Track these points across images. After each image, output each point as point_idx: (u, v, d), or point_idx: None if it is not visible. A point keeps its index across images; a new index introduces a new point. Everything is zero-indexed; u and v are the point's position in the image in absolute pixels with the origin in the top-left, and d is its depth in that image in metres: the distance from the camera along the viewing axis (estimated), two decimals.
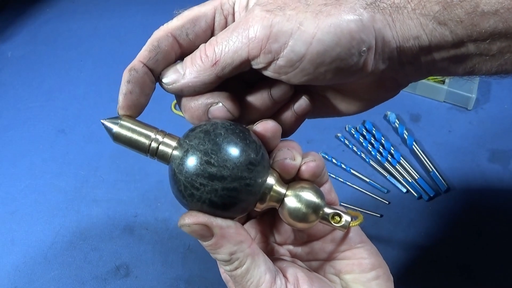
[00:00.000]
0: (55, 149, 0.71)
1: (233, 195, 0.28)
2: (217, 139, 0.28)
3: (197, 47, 0.30)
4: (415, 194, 0.62)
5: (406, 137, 0.68)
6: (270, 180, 0.29)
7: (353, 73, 0.28)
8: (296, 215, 0.30)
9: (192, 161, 0.28)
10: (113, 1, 0.98)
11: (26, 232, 0.61)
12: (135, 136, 0.30)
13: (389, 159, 0.65)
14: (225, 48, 0.28)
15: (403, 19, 0.26)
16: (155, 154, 0.30)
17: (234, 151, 0.28)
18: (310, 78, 0.28)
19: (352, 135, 0.70)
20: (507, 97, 0.74)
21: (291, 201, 0.30)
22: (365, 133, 0.69)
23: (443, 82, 0.73)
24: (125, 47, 0.86)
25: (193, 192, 0.28)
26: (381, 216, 0.60)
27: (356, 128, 0.70)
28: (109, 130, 0.31)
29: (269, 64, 0.28)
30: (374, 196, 0.62)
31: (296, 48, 0.26)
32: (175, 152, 0.29)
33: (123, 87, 0.33)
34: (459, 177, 0.64)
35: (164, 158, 0.30)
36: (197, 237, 0.29)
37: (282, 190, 0.30)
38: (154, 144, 0.29)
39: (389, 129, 0.70)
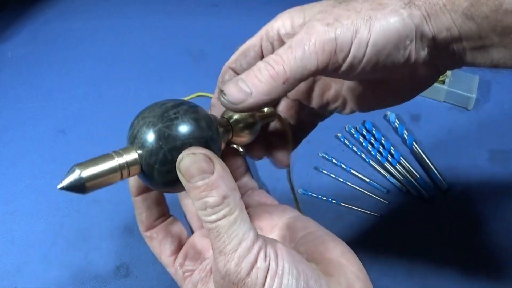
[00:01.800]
0: (55, 149, 0.71)
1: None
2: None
3: None
4: (415, 194, 0.62)
5: (406, 137, 0.68)
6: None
7: (401, 65, 0.32)
8: (245, 125, 0.36)
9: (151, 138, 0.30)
10: (113, 1, 0.98)
11: (26, 232, 0.61)
12: (101, 168, 0.31)
13: (389, 159, 0.66)
14: (294, 65, 0.30)
15: (436, 13, 0.30)
16: (127, 166, 0.30)
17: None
18: (365, 76, 0.32)
19: (352, 135, 0.70)
20: (507, 97, 0.74)
21: (235, 123, 0.36)
22: (365, 133, 0.69)
23: (443, 82, 0.73)
24: (125, 47, 0.86)
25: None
26: (381, 216, 0.60)
27: (356, 128, 0.70)
28: (76, 183, 0.31)
29: (334, 71, 0.31)
30: (374, 196, 0.62)
31: (357, 54, 0.30)
32: (139, 151, 0.30)
33: (220, 84, 0.37)
34: (459, 177, 0.64)
35: (135, 163, 0.31)
36: (193, 173, 0.29)
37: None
38: (121, 160, 0.30)
39: (389, 129, 0.70)
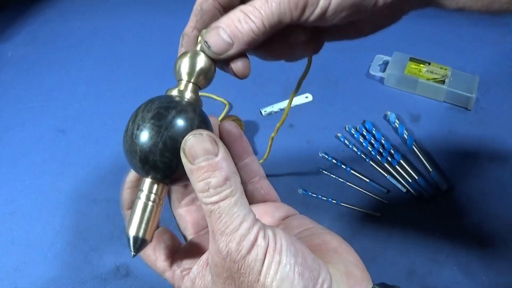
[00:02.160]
0: (55, 149, 0.71)
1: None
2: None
3: (234, 2, 0.34)
4: (415, 194, 0.62)
5: (406, 137, 0.68)
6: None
7: (368, 9, 0.33)
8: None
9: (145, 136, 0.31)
10: (113, 1, 0.98)
11: (26, 232, 0.61)
12: (142, 218, 0.33)
13: (389, 159, 0.66)
14: (271, 19, 0.32)
15: None
16: (154, 194, 0.33)
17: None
18: (336, 22, 0.34)
19: (352, 135, 0.70)
20: (507, 97, 0.74)
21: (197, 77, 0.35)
22: (365, 133, 0.69)
23: (443, 82, 0.73)
24: (125, 47, 0.86)
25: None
26: (381, 216, 0.60)
27: (356, 128, 0.70)
28: (139, 244, 0.33)
29: (305, 22, 0.33)
30: (374, 196, 0.62)
31: (323, 5, 0.32)
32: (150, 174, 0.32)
33: (179, 52, 0.37)
34: (459, 177, 0.64)
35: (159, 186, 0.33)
36: (198, 153, 0.30)
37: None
38: (144, 196, 0.32)
39: (389, 129, 0.70)
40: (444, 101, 0.74)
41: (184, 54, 0.35)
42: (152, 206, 0.32)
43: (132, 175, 0.36)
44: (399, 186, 0.63)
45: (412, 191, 0.63)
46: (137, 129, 0.31)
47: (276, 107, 0.74)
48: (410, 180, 0.63)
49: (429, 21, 0.88)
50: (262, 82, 0.79)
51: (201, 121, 0.32)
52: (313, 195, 0.62)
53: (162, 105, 0.32)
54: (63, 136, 0.73)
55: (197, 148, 0.30)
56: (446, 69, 0.75)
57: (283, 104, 0.74)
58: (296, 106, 0.74)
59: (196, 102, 0.34)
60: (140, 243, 0.32)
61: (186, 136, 0.30)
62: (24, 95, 0.79)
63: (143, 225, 0.32)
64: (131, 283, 0.56)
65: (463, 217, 0.60)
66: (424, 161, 0.65)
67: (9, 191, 0.66)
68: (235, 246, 0.29)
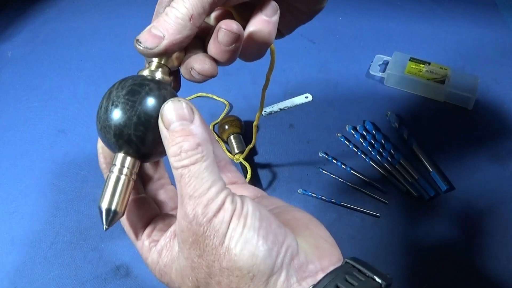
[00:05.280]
0: (55, 149, 0.71)
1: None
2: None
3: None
4: (415, 194, 0.62)
5: (406, 137, 0.68)
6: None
7: None
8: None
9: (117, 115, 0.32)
10: (113, 1, 0.98)
11: (26, 232, 0.61)
12: (114, 191, 0.33)
13: (389, 159, 0.66)
14: (194, 3, 0.32)
15: None
16: (127, 168, 0.33)
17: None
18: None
19: (352, 135, 0.70)
20: (507, 97, 0.74)
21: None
22: (365, 133, 0.69)
23: (443, 82, 0.73)
24: (125, 47, 0.86)
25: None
26: (381, 216, 0.60)
27: (356, 128, 0.70)
28: (111, 216, 0.34)
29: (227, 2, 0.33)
30: (374, 196, 0.62)
31: None
32: (123, 149, 0.33)
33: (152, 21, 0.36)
34: (459, 177, 0.64)
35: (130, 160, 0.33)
36: (174, 118, 0.31)
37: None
38: (116, 169, 0.33)
39: (389, 129, 0.70)
40: (444, 101, 0.74)
41: None
42: (124, 180, 0.33)
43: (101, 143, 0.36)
44: (399, 186, 0.63)
45: (412, 191, 0.63)
46: (112, 105, 0.32)
47: (276, 107, 0.74)
48: (410, 180, 0.63)
49: (429, 21, 0.88)
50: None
51: (173, 97, 0.33)
52: (313, 195, 0.62)
53: (136, 82, 0.33)
54: (63, 136, 0.73)
55: (174, 113, 0.31)
56: (446, 69, 0.75)
57: (283, 104, 0.74)
58: (296, 106, 0.74)
59: (167, 82, 0.35)
60: (112, 216, 0.33)
61: (165, 103, 0.31)
62: (24, 95, 0.79)
63: (115, 198, 0.33)
64: (131, 283, 0.56)
65: (463, 217, 0.60)
66: (424, 161, 0.65)
67: (9, 191, 0.66)
68: (202, 209, 0.29)
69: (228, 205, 0.30)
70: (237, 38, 0.33)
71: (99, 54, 0.85)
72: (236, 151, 0.65)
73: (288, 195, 0.63)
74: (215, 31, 0.33)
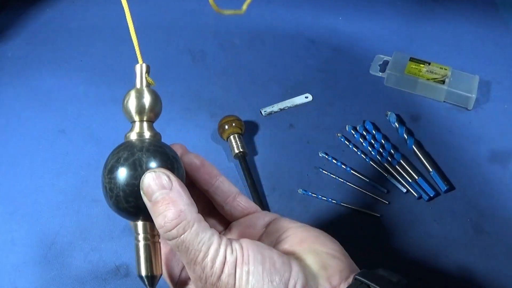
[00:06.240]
0: (55, 149, 0.71)
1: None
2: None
3: None
4: (415, 194, 0.62)
5: (406, 137, 0.68)
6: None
7: None
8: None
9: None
10: (113, 1, 0.98)
11: (26, 232, 0.61)
12: (144, 258, 0.36)
13: (389, 159, 0.66)
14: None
15: None
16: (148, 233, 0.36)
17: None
18: None
19: (352, 135, 0.70)
20: (507, 97, 0.74)
21: None
22: (365, 133, 0.69)
23: (443, 82, 0.73)
24: (125, 47, 0.86)
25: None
26: (381, 216, 0.60)
27: (356, 128, 0.70)
28: (150, 281, 0.36)
29: None
30: (374, 196, 0.62)
31: None
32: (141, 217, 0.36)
33: None
34: (459, 177, 0.64)
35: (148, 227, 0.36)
36: (154, 188, 0.32)
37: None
38: (141, 239, 0.36)
39: (389, 129, 0.70)
40: (444, 101, 0.74)
41: (128, 94, 0.37)
42: (148, 245, 0.35)
43: None
44: (399, 186, 0.63)
45: (412, 191, 0.63)
46: (104, 188, 0.35)
47: (276, 107, 0.74)
48: (410, 180, 0.63)
49: (429, 21, 0.88)
50: (262, 82, 0.79)
51: (153, 154, 0.34)
52: (313, 195, 0.62)
53: (113, 157, 0.35)
54: (63, 136, 0.73)
55: (152, 185, 0.33)
56: (446, 69, 0.75)
57: (283, 104, 0.74)
58: (296, 106, 0.74)
59: (154, 137, 0.37)
60: (153, 279, 0.35)
61: (142, 177, 0.33)
62: (24, 95, 0.79)
63: (151, 264, 0.35)
64: (131, 283, 0.56)
65: (463, 217, 0.60)
66: (424, 161, 0.65)
67: (9, 191, 0.66)
68: (209, 270, 0.31)
69: (229, 257, 0.32)
70: None
71: (99, 54, 0.85)
72: (236, 151, 0.65)
73: (288, 195, 0.63)
74: None
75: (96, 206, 0.63)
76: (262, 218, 0.41)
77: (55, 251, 0.59)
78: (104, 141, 0.71)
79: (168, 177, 0.33)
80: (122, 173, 0.33)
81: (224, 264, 0.31)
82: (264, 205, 0.62)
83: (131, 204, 0.34)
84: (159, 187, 0.32)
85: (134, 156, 0.34)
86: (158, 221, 0.32)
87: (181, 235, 0.32)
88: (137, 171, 0.33)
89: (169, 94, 0.76)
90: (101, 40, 0.88)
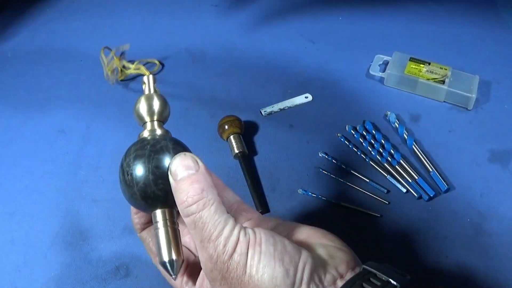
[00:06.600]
0: (55, 149, 0.71)
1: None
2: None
3: None
4: (415, 194, 0.62)
5: (406, 137, 0.68)
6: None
7: None
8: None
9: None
10: (113, 1, 0.98)
11: (26, 232, 0.61)
12: (166, 242, 0.37)
13: (389, 159, 0.65)
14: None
15: None
16: (167, 217, 0.37)
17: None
18: None
19: (352, 135, 0.70)
20: (507, 97, 0.74)
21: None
22: (365, 133, 0.69)
23: (443, 82, 0.73)
24: None
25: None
26: (381, 216, 0.60)
27: (356, 128, 0.70)
28: (174, 266, 0.37)
29: None
30: (374, 196, 0.62)
31: None
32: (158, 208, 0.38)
33: None
34: (459, 177, 0.64)
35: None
36: (182, 169, 0.34)
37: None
38: (161, 223, 0.37)
39: (389, 129, 0.70)
40: (444, 101, 0.74)
41: (139, 100, 0.41)
42: (171, 230, 0.36)
43: None
44: (399, 186, 0.63)
45: (412, 191, 0.63)
46: (127, 174, 0.36)
47: (276, 107, 0.74)
48: (410, 180, 0.63)
49: (429, 21, 0.88)
50: (262, 82, 0.79)
51: (174, 143, 0.37)
52: (313, 195, 0.62)
53: (137, 147, 0.37)
54: (63, 136, 0.73)
55: (180, 165, 0.35)
56: (446, 69, 0.75)
57: (283, 104, 0.74)
58: (296, 106, 0.74)
59: (166, 134, 0.39)
60: (176, 264, 0.36)
61: (172, 158, 0.35)
62: (24, 95, 0.79)
63: (172, 249, 0.36)
64: (131, 283, 0.56)
65: (463, 217, 0.60)
66: (424, 161, 0.65)
67: (9, 191, 0.66)
68: (222, 248, 0.33)
69: (242, 238, 0.33)
70: None
71: (99, 54, 0.85)
72: (236, 151, 0.65)
73: (288, 195, 0.63)
74: None
75: (96, 206, 0.63)
76: (266, 223, 0.43)
77: (55, 251, 0.59)
78: (104, 141, 0.71)
79: (196, 160, 0.35)
80: (150, 158, 0.35)
81: (237, 243, 0.33)
82: (264, 205, 0.62)
83: (160, 187, 0.35)
84: (187, 167, 0.34)
85: (161, 143, 0.36)
86: (181, 197, 0.34)
87: (200, 211, 0.33)
88: (166, 154, 0.36)
89: (169, 94, 0.76)
90: (101, 40, 0.88)
